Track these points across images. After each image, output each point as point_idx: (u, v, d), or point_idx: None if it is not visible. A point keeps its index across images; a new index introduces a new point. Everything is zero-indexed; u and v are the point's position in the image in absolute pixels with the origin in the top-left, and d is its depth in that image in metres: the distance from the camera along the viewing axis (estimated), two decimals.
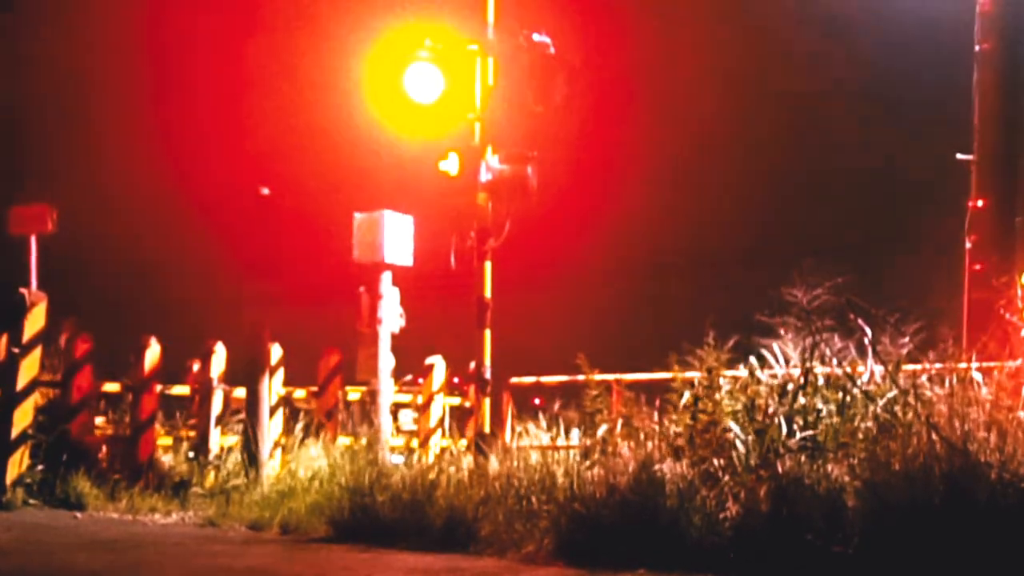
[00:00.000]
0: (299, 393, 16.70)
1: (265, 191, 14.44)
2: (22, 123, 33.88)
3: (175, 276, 30.33)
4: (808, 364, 9.55)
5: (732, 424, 9.36)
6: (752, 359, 9.96)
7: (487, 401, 13.69)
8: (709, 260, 25.85)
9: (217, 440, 15.15)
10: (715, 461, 9.18)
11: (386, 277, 14.31)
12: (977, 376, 8.92)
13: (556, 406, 13.27)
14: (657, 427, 10.14)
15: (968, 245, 14.15)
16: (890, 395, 9.01)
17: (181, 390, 16.34)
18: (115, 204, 33.10)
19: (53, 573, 9.10)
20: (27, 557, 9.72)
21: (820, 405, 9.32)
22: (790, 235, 23.49)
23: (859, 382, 9.32)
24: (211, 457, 14.87)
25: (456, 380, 17.69)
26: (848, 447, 8.77)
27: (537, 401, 16.71)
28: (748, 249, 24.27)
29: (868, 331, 9.60)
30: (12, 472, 13.45)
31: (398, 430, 16.84)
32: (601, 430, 10.86)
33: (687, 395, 9.99)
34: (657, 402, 10.92)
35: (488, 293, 13.83)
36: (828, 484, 8.44)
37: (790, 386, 9.48)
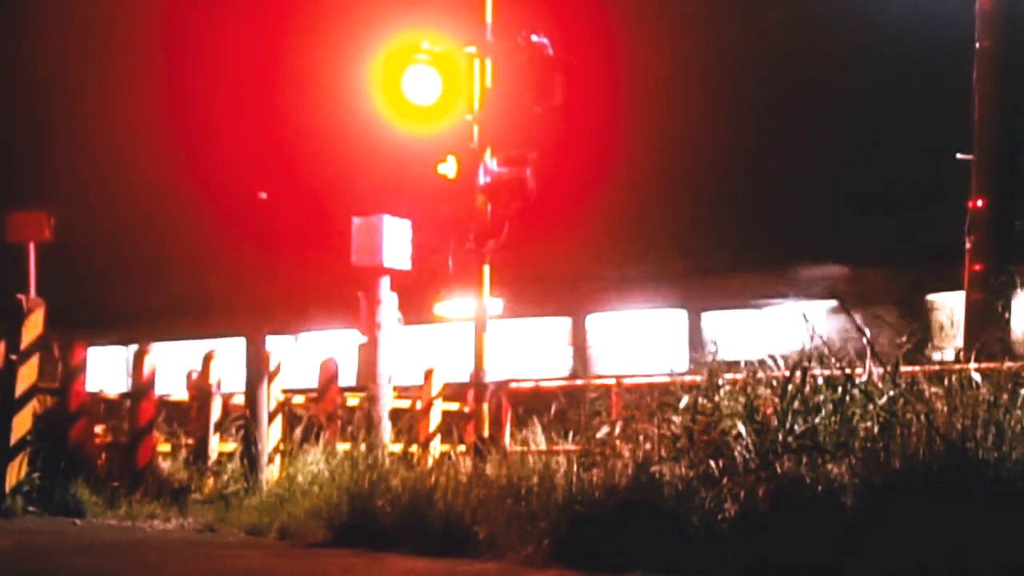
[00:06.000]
0: (298, 399, 16.69)
1: (263, 195, 14.40)
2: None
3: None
4: (807, 364, 9.51)
5: (732, 425, 9.32)
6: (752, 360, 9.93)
7: (485, 405, 13.65)
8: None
9: (216, 446, 15.12)
10: (714, 462, 9.15)
11: (384, 282, 14.26)
12: (976, 375, 8.88)
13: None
14: (656, 429, 10.09)
15: (968, 245, 14.11)
16: (889, 394, 8.97)
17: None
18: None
19: None
20: (26, 562, 9.70)
21: (819, 405, 9.27)
22: (785, 234, 23.42)
23: (858, 382, 9.29)
24: (210, 463, 14.85)
25: None
26: (847, 446, 8.73)
27: None
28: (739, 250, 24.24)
29: (866, 331, 9.58)
30: (11, 479, 13.42)
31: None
32: (601, 432, 10.82)
33: (686, 397, 9.95)
34: (656, 404, 10.87)
35: (487, 296, 13.78)
36: (827, 484, 8.40)
37: (789, 387, 9.43)
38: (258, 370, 14.70)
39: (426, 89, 13.81)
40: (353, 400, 16.12)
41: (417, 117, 13.97)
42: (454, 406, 17.70)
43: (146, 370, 14.99)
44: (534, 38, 13.99)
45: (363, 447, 12.67)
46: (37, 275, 15.99)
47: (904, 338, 9.65)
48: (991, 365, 9.24)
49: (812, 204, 23.13)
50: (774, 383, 9.55)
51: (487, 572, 9.03)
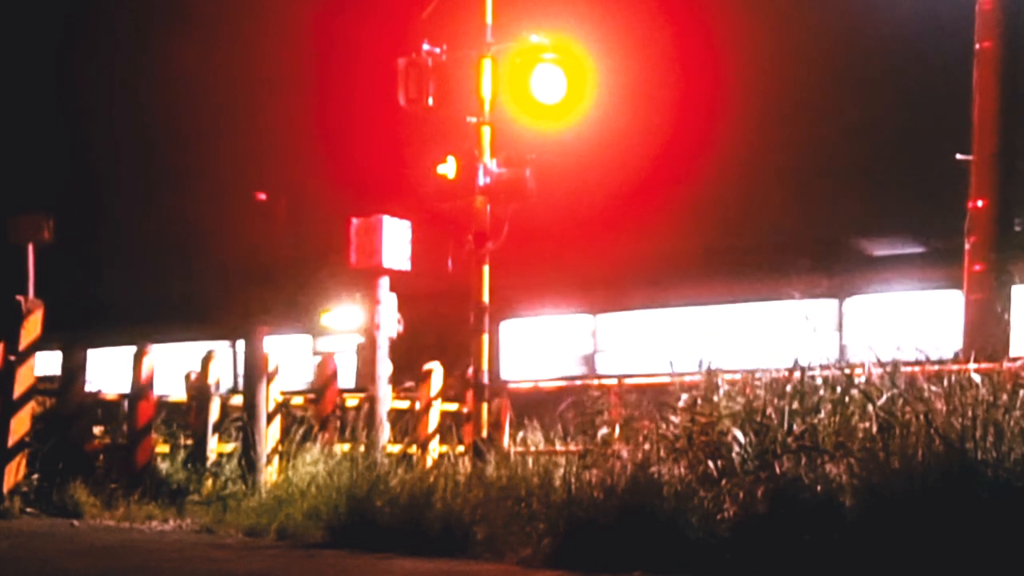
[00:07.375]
0: (297, 400, 16.66)
1: (262, 196, 14.37)
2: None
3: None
4: (807, 364, 9.49)
5: (731, 425, 9.30)
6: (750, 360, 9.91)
7: (484, 406, 13.63)
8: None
9: (214, 447, 15.10)
10: (713, 463, 9.13)
11: (384, 283, 14.24)
12: (975, 376, 8.85)
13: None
14: (656, 429, 10.07)
15: (967, 246, 14.07)
16: (889, 394, 8.94)
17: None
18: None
19: None
20: (24, 564, 9.67)
21: (818, 405, 9.25)
22: (784, 233, 23.40)
23: (857, 382, 9.26)
24: (208, 464, 14.82)
25: None
26: (846, 447, 8.71)
27: None
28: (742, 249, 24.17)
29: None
30: (9, 481, 13.41)
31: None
32: (600, 433, 10.81)
33: (685, 397, 9.93)
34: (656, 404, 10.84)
35: (486, 298, 13.76)
36: (826, 484, 8.38)
37: (788, 387, 9.42)
38: (257, 370, 14.66)
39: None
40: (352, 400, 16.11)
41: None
42: (453, 407, 17.65)
43: (144, 371, 14.96)
44: (534, 39, 13.99)
45: (362, 448, 12.66)
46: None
47: None
48: (991, 365, 9.21)
49: None
50: (773, 384, 9.53)
51: (486, 573, 9.01)
